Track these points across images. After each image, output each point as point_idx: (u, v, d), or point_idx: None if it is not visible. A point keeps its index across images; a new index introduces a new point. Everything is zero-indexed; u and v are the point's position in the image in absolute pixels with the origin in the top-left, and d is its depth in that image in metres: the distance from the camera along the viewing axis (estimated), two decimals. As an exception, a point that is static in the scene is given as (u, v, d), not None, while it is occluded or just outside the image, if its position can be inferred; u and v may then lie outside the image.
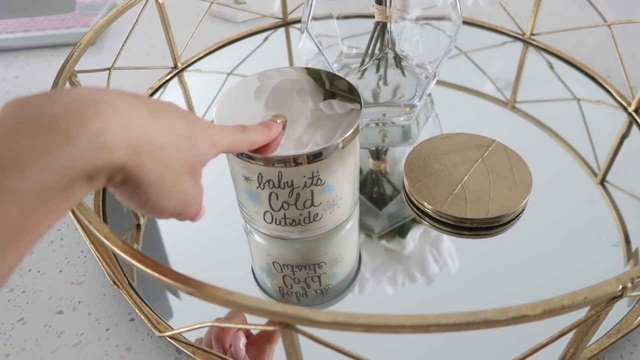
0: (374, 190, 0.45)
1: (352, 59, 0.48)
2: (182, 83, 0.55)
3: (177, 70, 0.55)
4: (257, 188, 0.32)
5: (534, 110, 0.51)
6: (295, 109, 0.33)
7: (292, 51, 0.61)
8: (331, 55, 0.47)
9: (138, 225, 0.42)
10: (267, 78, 0.36)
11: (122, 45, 0.47)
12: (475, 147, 0.41)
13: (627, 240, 0.38)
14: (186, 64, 0.56)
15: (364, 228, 0.40)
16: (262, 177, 0.31)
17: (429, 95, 0.51)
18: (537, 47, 0.57)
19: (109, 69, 0.46)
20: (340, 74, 0.47)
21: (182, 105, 0.52)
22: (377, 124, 0.48)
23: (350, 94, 0.34)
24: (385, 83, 0.46)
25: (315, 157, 0.30)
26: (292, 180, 0.31)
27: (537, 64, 0.57)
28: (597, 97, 0.51)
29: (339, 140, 0.31)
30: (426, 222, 0.38)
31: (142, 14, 0.48)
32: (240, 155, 0.31)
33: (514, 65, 0.57)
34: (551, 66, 0.55)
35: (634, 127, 0.46)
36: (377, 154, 0.48)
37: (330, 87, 0.35)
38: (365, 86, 0.47)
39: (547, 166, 0.45)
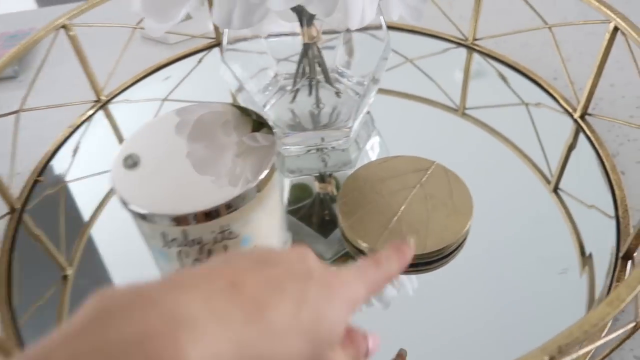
0: (323, 213, 0.42)
1: (289, 80, 0.45)
2: (109, 117, 0.51)
3: (101, 104, 0.51)
4: (163, 247, 0.29)
5: (484, 116, 0.49)
6: (220, 142, 0.30)
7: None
8: (264, 78, 0.44)
9: (65, 277, 0.38)
10: (187, 113, 0.33)
11: (31, 85, 0.43)
12: (413, 171, 0.38)
13: (583, 253, 0.36)
14: (112, 95, 0.53)
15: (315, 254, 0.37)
16: (166, 236, 0.28)
17: (369, 112, 0.48)
18: (480, 52, 0.55)
19: (17, 112, 0.42)
20: (275, 98, 0.45)
21: (112, 140, 0.49)
22: (317, 150, 0.45)
23: (264, 129, 0.31)
24: (318, 106, 0.43)
25: (222, 210, 0.27)
26: (200, 237, 0.28)
27: (483, 69, 0.55)
28: (544, 102, 0.49)
29: (251, 186, 0.28)
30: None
31: (59, 45, 0.44)
32: (139, 215, 0.27)
33: (461, 70, 0.55)
34: (503, 78, 0.53)
35: (581, 136, 0.44)
36: (322, 177, 0.45)
37: (252, 116, 0.32)
38: (301, 110, 0.44)
39: (499, 176, 0.43)
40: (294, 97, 0.43)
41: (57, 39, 0.46)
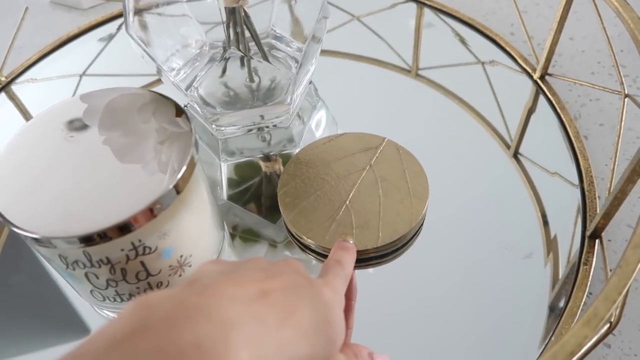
0: (271, 194, 0.38)
1: (219, 51, 0.39)
2: (13, 98, 0.44)
3: (0, 85, 0.44)
4: (67, 269, 0.24)
5: (438, 77, 0.45)
6: (122, 135, 0.25)
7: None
8: (189, 49, 0.38)
9: None
10: (94, 98, 0.27)
11: None
12: (362, 150, 0.34)
13: (545, 222, 0.34)
14: (14, 74, 0.45)
15: (265, 239, 0.34)
16: (66, 259, 0.23)
17: (311, 82, 0.43)
18: (431, 7, 0.50)
19: None
20: (204, 71, 0.39)
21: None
22: (257, 129, 0.40)
23: (176, 115, 0.26)
24: (252, 79, 0.38)
25: (130, 224, 0.22)
26: (106, 257, 0.23)
27: (435, 25, 0.50)
28: (501, 61, 0.45)
29: (167, 189, 0.23)
30: (311, 255, 0.31)
31: None
32: (28, 238, 0.22)
33: (411, 28, 0.50)
34: (458, 36, 0.49)
35: (541, 98, 0.41)
36: (267, 156, 0.41)
37: (160, 101, 0.27)
38: (235, 84, 0.39)
39: (456, 143, 0.40)
40: (224, 71, 0.38)
41: None
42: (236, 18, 0.35)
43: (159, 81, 0.46)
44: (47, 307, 0.32)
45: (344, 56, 0.48)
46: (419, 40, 0.50)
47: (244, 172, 0.41)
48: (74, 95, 0.44)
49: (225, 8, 0.34)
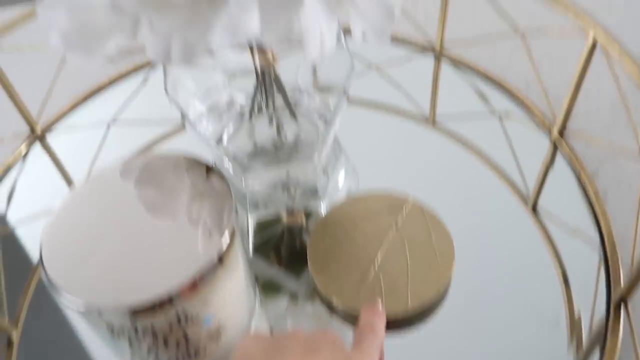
0: (293, 247, 0.39)
1: (247, 106, 0.41)
2: (48, 150, 0.45)
3: (36, 136, 0.46)
4: (112, 337, 0.25)
5: (455, 127, 0.46)
6: (167, 205, 0.27)
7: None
8: (218, 103, 0.39)
9: (9, 342, 0.34)
10: (135, 165, 0.29)
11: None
12: (388, 210, 0.35)
13: (566, 281, 0.34)
14: (49, 125, 0.47)
15: (289, 292, 0.35)
16: (112, 327, 0.24)
17: (335, 139, 0.44)
18: (449, 59, 0.52)
19: None
20: (232, 127, 0.40)
21: (54, 178, 0.43)
22: (282, 185, 0.42)
23: (220, 184, 0.28)
24: (281, 136, 0.39)
25: (178, 296, 0.23)
26: (152, 327, 0.24)
27: (453, 76, 0.52)
28: (517, 113, 0.47)
29: (212, 262, 0.24)
30: (338, 316, 0.32)
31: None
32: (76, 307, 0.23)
33: (429, 79, 0.52)
34: (475, 88, 0.50)
35: (559, 153, 0.42)
36: (291, 210, 0.42)
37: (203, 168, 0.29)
38: (263, 141, 0.40)
39: (474, 194, 0.41)
40: (253, 127, 0.39)
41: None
42: (266, 78, 0.36)
43: (182, 129, 0.48)
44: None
45: (361, 103, 0.50)
46: (436, 90, 0.51)
47: (266, 225, 0.41)
48: (102, 143, 0.46)
49: (258, 70, 0.36)
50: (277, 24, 0.22)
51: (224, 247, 0.25)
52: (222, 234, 0.25)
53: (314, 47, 0.25)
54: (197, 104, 0.38)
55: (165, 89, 0.34)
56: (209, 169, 0.28)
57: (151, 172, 0.28)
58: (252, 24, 0.21)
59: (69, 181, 0.43)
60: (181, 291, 0.23)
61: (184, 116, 0.35)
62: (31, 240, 0.40)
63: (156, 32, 0.25)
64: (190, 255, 0.24)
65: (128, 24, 0.25)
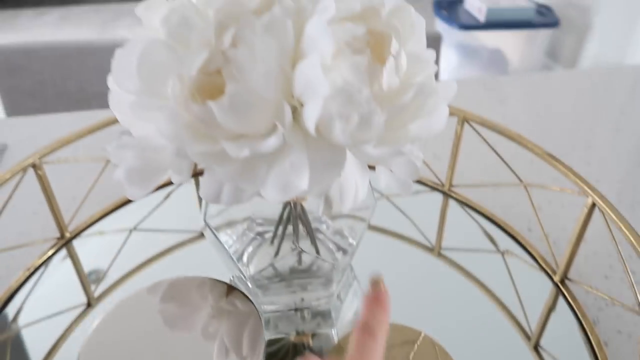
0: None
1: (267, 227, 0.44)
2: (72, 255, 0.48)
3: (64, 241, 0.48)
4: None
5: (460, 259, 0.49)
6: (197, 327, 0.28)
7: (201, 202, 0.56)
8: (240, 225, 0.43)
9: None
10: (165, 288, 0.31)
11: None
12: (401, 343, 0.36)
13: None
14: (77, 231, 0.49)
15: None
16: None
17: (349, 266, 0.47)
18: (456, 200, 0.56)
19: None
20: (251, 247, 0.43)
21: (74, 280, 0.45)
22: (295, 310, 0.43)
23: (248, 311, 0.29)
24: (300, 264, 0.42)
25: None
26: None
27: (459, 213, 0.55)
28: (520, 255, 0.50)
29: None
30: None
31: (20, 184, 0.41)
32: None
33: (437, 212, 0.56)
34: (481, 227, 0.54)
35: (561, 298, 0.44)
36: (301, 331, 0.43)
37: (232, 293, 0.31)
38: (281, 265, 0.43)
39: (478, 327, 0.43)
40: (276, 253, 0.42)
41: (23, 180, 0.43)
42: (293, 212, 0.40)
43: (200, 237, 0.50)
44: None
45: (372, 229, 0.53)
46: (443, 223, 0.55)
47: (273, 341, 0.42)
48: (122, 247, 0.48)
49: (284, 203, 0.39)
50: (322, 182, 0.26)
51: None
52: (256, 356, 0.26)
53: (350, 199, 0.29)
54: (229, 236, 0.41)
55: (204, 220, 0.37)
56: (233, 290, 0.30)
57: (178, 292, 0.31)
58: (302, 183, 0.25)
59: (86, 285, 0.45)
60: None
61: (216, 237, 0.38)
62: (38, 343, 0.40)
63: (211, 176, 0.28)
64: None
65: (185, 168, 0.29)
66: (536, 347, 0.42)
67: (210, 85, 0.27)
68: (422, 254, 0.51)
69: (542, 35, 2.25)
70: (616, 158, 0.67)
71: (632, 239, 0.35)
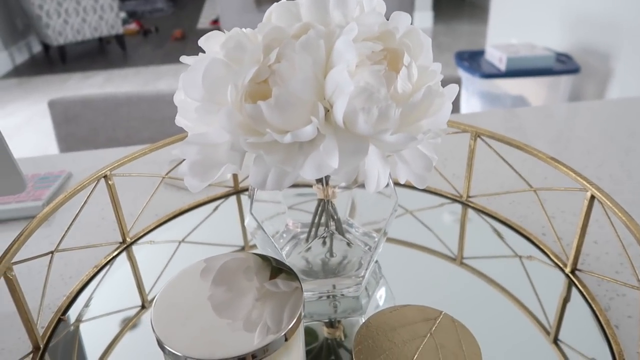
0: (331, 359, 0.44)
1: (301, 229, 0.50)
2: (131, 258, 0.54)
3: (125, 245, 0.55)
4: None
5: (480, 266, 0.53)
6: (246, 289, 0.34)
7: (244, 218, 0.62)
8: (279, 224, 0.49)
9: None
10: (213, 260, 0.37)
11: (69, 227, 0.47)
12: (422, 321, 0.41)
13: None
14: (136, 237, 0.56)
15: None
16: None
17: (377, 262, 0.52)
18: (474, 208, 0.61)
19: (51, 252, 0.46)
20: (288, 247, 0.49)
21: (131, 280, 0.52)
22: (327, 297, 0.48)
23: (290, 277, 0.35)
24: (331, 255, 0.47)
25: (256, 355, 0.30)
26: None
27: (477, 222, 0.60)
28: (535, 255, 0.54)
29: (279, 335, 0.31)
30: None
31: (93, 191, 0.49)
32: (173, 356, 0.30)
33: (457, 223, 0.61)
34: (497, 233, 0.59)
35: (574, 289, 0.48)
36: (331, 322, 0.48)
37: (276, 264, 0.36)
38: (314, 258, 0.48)
39: (500, 327, 0.46)
40: (310, 247, 0.47)
41: (96, 187, 0.51)
42: (325, 208, 0.46)
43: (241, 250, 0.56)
44: None
45: (399, 242, 0.58)
46: (463, 233, 0.59)
47: (307, 336, 0.47)
48: (173, 255, 0.55)
49: (318, 200, 0.45)
50: (349, 165, 0.32)
51: (290, 327, 0.31)
52: (291, 318, 0.32)
53: (373, 183, 0.35)
54: (267, 227, 0.47)
55: (250, 212, 0.44)
56: (282, 268, 0.36)
57: (234, 264, 0.37)
58: (332, 164, 0.31)
59: (141, 286, 0.51)
60: (251, 355, 0.30)
61: (260, 226, 0.44)
62: (102, 333, 0.46)
63: (259, 165, 0.35)
64: (264, 330, 0.31)
65: (238, 159, 0.36)
66: (555, 341, 0.45)
67: (258, 92, 0.35)
68: (446, 263, 0.55)
69: (564, 81, 2.30)
70: (627, 175, 0.71)
71: (627, 222, 0.39)
